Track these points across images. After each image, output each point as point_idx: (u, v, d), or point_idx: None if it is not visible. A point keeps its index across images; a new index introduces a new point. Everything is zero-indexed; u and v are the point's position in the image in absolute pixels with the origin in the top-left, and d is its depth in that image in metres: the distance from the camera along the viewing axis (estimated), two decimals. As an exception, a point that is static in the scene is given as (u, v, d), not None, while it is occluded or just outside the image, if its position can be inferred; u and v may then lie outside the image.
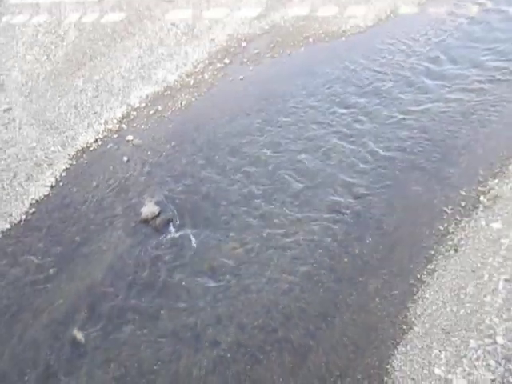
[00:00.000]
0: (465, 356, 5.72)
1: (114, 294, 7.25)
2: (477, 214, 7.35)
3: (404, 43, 10.10)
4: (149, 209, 8.05)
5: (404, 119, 8.77)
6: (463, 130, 8.51)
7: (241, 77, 9.97)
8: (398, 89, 9.29)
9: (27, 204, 8.49)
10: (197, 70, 10.18)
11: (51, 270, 7.61)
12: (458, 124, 8.60)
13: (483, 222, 7.21)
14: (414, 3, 10.89)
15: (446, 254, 6.99)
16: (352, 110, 9.06)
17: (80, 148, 9.17)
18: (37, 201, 8.51)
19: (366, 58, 9.94)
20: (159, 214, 8.01)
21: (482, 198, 7.54)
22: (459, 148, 8.28)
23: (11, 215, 8.31)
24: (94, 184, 8.65)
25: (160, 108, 9.62)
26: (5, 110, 9.93)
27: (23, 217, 8.31)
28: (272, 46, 10.46)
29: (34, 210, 8.41)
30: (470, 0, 10.82)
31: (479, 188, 7.66)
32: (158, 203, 8.15)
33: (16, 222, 8.26)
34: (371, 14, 10.74)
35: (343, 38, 10.41)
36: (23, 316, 7.11)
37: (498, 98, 8.87)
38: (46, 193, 8.62)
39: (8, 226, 8.17)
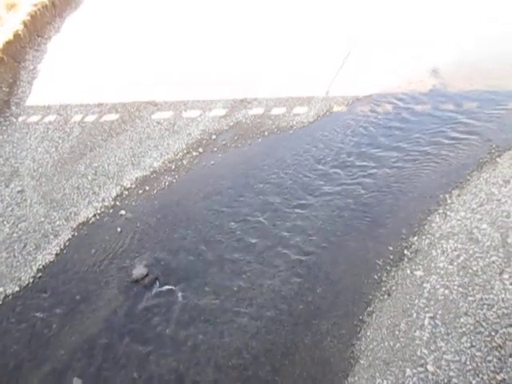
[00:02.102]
0: (403, 383, 5.64)
1: (109, 343, 6.95)
2: (403, 264, 7.50)
3: (338, 133, 10.56)
4: (139, 270, 7.90)
5: (341, 191, 9.04)
6: (388, 199, 8.81)
7: (212, 162, 10.14)
8: (335, 168, 9.61)
9: (35, 269, 8.20)
10: (177, 157, 10.30)
11: (54, 326, 7.26)
12: (383, 193, 8.92)
13: (408, 271, 7.35)
14: (343, 104, 11.45)
15: (381, 298, 7.04)
16: (300, 184, 9.29)
17: (81, 221, 9.00)
18: (43, 266, 8.23)
19: (310, 145, 10.31)
20: (148, 274, 7.86)
21: (405, 251, 7.72)
22: (385, 212, 8.53)
23: (20, 279, 8.01)
24: (93, 251, 8.45)
25: (147, 188, 9.62)
26: (18, 192, 9.73)
27: (31, 280, 8.01)
28: (236, 137, 10.73)
29: (40, 274, 8.11)
30: (385, 101, 11.41)
31: (403, 244, 7.86)
32: (146, 265, 8.02)
33: (24, 285, 7.94)
34: (312, 113, 11.21)
35: (291, 131, 10.78)
36: (28, 365, 6.74)
37: (413, 173, 9.29)
38: (52, 259, 8.36)
39: (17, 289, 7.85)
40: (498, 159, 9.28)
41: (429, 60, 12.95)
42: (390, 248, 7.82)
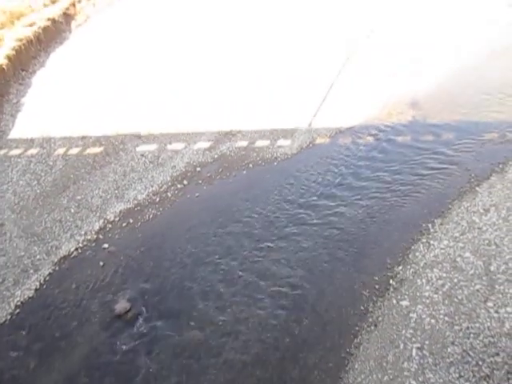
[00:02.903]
0: (392, 416, 5.52)
1: (89, 382, 6.68)
2: (388, 294, 7.47)
3: (321, 164, 10.69)
4: (121, 305, 7.71)
5: (324, 222, 9.07)
6: (371, 229, 8.86)
7: (197, 194, 10.13)
8: (319, 199, 9.68)
9: (13, 306, 7.94)
10: (161, 189, 10.27)
11: (32, 364, 6.97)
12: (367, 224, 8.98)
13: (394, 301, 7.32)
14: (326, 136, 11.65)
15: (368, 329, 6.98)
16: (285, 215, 9.31)
17: (62, 255, 8.81)
18: (22, 302, 7.98)
19: (293, 177, 10.39)
20: (130, 309, 7.67)
21: (391, 281, 7.72)
22: (370, 242, 8.57)
23: (-3, 317, 7.71)
24: (74, 286, 8.25)
25: (131, 221, 9.52)
26: (-2, 226, 9.53)
27: (8, 317, 7.73)
28: (220, 170, 10.77)
29: (18, 310, 7.84)
30: (367, 132, 11.65)
31: (388, 273, 7.86)
32: (129, 300, 7.84)
33: (1, 322, 7.65)
34: (295, 145, 11.37)
35: (275, 163, 10.88)
36: (4, 409, 6.37)
37: (395, 203, 9.40)
38: (31, 295, 8.12)
39: (-7, 327, 7.54)
40: (477, 188, 9.47)
41: (407, 93, 13.38)
42: (376, 278, 7.81)
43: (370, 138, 11.52)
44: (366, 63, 15.72)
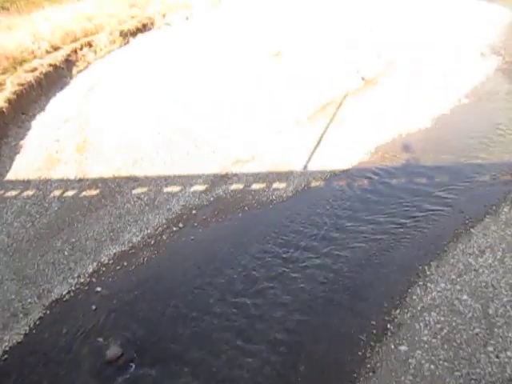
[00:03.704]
0: None
1: (78, 434, 6.39)
2: (386, 339, 7.33)
3: (316, 207, 10.74)
4: (113, 351, 7.51)
5: (321, 264, 9.01)
6: (368, 272, 8.81)
7: (192, 237, 10.09)
8: (314, 241, 9.67)
9: (0, 351, 7.70)
10: (157, 232, 10.24)
11: (18, 415, 6.68)
12: (363, 266, 8.93)
13: (392, 346, 7.18)
14: (321, 179, 11.79)
15: (366, 375, 6.81)
16: (281, 258, 9.24)
17: (54, 299, 8.65)
18: (10, 348, 7.76)
19: (289, 220, 10.42)
20: (122, 354, 7.47)
21: (388, 325, 7.59)
22: (366, 286, 8.48)
23: (-17, 364, 7.46)
24: (65, 331, 8.05)
25: (125, 264, 9.43)
26: (-11, 269, 9.39)
27: (-5, 364, 7.47)
28: (216, 212, 10.79)
29: (6, 356, 7.62)
30: (361, 175, 11.81)
31: (385, 317, 7.74)
32: (121, 345, 7.64)
33: (-12, 369, 7.39)
34: (291, 188, 11.46)
35: (271, 206, 10.93)
36: None
37: (391, 245, 9.39)
38: (20, 340, 7.91)
39: (-21, 374, 7.28)
40: (471, 230, 9.51)
41: (400, 137, 13.71)
42: (373, 322, 7.69)
43: (365, 181, 11.65)
44: (358, 107, 16.15)
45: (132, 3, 41.04)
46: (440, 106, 15.70)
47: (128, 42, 30.22)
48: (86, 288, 8.90)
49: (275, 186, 11.58)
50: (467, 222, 9.78)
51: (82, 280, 9.07)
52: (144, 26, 34.70)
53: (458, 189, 11.01)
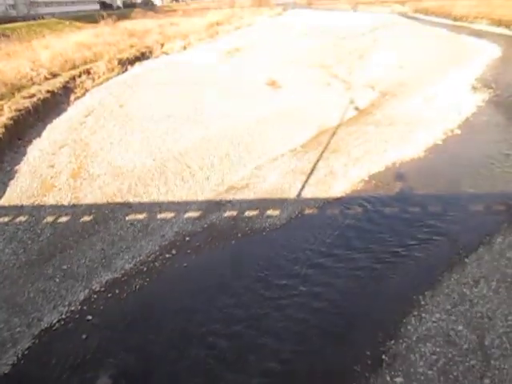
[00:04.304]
0: None
1: None
2: (382, 370, 7.18)
3: (309, 235, 10.68)
4: (102, 382, 7.28)
5: (315, 293, 8.90)
6: (362, 301, 8.69)
7: (185, 264, 9.96)
8: (308, 269, 9.56)
9: (-15, 384, 7.44)
10: (149, 259, 10.10)
11: None
12: (357, 296, 8.82)
13: (388, 378, 7.03)
14: (315, 206, 11.80)
15: (361, 409, 6.61)
16: (274, 286, 9.12)
17: (44, 328, 8.42)
18: (-5, 380, 7.49)
19: (282, 247, 10.34)
20: (112, 386, 7.24)
21: (383, 356, 7.45)
22: (361, 315, 8.36)
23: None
24: (54, 361, 7.80)
25: (117, 291, 9.26)
26: (-23, 298, 9.18)
27: (-21, 397, 7.21)
28: (210, 239, 10.70)
29: (-9, 389, 7.35)
30: (355, 203, 11.83)
31: (380, 348, 7.60)
32: (111, 376, 7.41)
33: (-29, 403, 7.13)
34: (284, 215, 11.44)
35: (264, 233, 10.86)
36: None
37: (385, 274, 9.31)
38: (6, 371, 7.65)
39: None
40: (465, 259, 9.47)
41: (394, 166, 13.83)
42: (368, 353, 7.54)
43: (359, 209, 11.66)
44: (352, 136, 16.34)
45: (131, 33, 41.94)
46: (433, 136, 15.96)
47: (126, 69, 30.70)
48: (77, 316, 8.70)
49: (269, 213, 11.55)
50: (461, 251, 9.75)
51: (72, 308, 8.87)
52: (142, 54, 35.40)
53: (451, 218, 11.03)
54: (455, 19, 58.74)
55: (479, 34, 43.38)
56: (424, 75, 25.73)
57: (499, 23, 48.81)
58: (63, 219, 11.66)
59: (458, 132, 16.49)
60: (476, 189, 12.33)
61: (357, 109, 19.85)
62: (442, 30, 48.45)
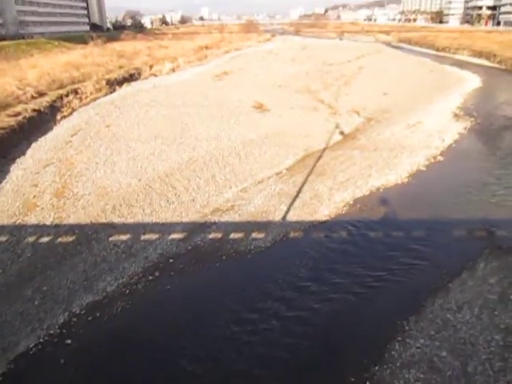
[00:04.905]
0: None
1: None
2: (365, 398, 7.08)
3: (294, 258, 10.62)
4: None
5: (299, 317, 8.80)
6: (346, 326, 8.64)
7: (168, 287, 9.77)
8: (293, 293, 9.47)
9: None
10: (132, 281, 9.91)
11: None
12: (341, 321, 8.77)
13: (371, 406, 6.92)
14: (300, 230, 11.80)
15: None
16: (258, 311, 9.00)
17: (20, 352, 8.13)
18: (-33, 407, 7.17)
19: (267, 270, 10.28)
20: (89, 413, 6.98)
21: (368, 382, 7.37)
22: (345, 341, 8.32)
23: None
24: (29, 387, 7.53)
25: (98, 314, 9.02)
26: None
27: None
28: (193, 261, 10.58)
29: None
30: (339, 227, 11.91)
31: (364, 374, 7.52)
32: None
33: None
34: (269, 238, 11.41)
35: (249, 256, 10.79)
36: None
37: (369, 299, 9.28)
38: (-22, 399, 7.34)
39: None
40: (449, 285, 9.52)
41: (378, 190, 13.98)
42: (352, 379, 7.43)
43: (343, 233, 11.69)
44: (337, 160, 16.51)
45: (120, 54, 42.29)
46: (416, 162, 16.22)
47: (114, 90, 30.80)
48: (56, 340, 8.44)
49: (254, 235, 11.51)
50: (445, 276, 9.80)
51: (51, 332, 8.61)
52: (131, 75, 35.64)
53: (434, 243, 11.12)
54: (438, 49, 60.73)
55: (461, 64, 44.81)
56: (408, 102, 26.33)
57: (480, 54, 50.60)
58: (45, 239, 11.44)
59: (441, 159, 16.80)
60: (458, 214, 12.50)
61: (342, 133, 20.14)
62: (425, 60, 49.91)
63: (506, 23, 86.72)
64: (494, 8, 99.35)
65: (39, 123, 21.05)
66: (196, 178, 14.83)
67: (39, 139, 19.29)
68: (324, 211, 12.66)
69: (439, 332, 8.26)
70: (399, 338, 8.19)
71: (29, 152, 17.67)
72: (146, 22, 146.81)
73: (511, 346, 7.87)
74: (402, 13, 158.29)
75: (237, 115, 22.82)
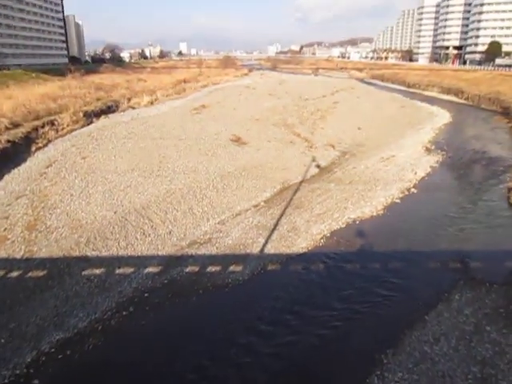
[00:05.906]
0: None
1: None
2: None
3: (272, 291, 10.54)
4: None
5: (277, 352, 8.64)
6: (325, 360, 8.55)
7: (143, 322, 9.47)
8: (270, 327, 9.35)
9: None
10: (105, 317, 9.59)
11: None
12: (319, 355, 8.69)
13: None
14: (277, 262, 11.75)
15: None
16: (236, 346, 8.80)
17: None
18: None
19: (245, 304, 10.14)
20: None
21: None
22: (323, 375, 8.27)
23: None
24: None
25: (69, 352, 8.65)
26: None
27: None
28: (170, 295, 10.34)
29: None
30: (317, 259, 11.94)
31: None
32: None
33: None
34: (247, 271, 11.29)
35: (226, 289, 10.64)
36: None
37: (347, 332, 9.22)
38: None
39: None
40: (425, 317, 9.54)
41: (354, 223, 14.12)
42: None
43: (320, 265, 11.69)
44: (314, 193, 16.67)
45: (99, 87, 42.40)
46: (391, 194, 16.53)
47: (92, 122, 30.67)
48: (22, 381, 8.02)
49: (231, 268, 11.37)
50: (421, 308, 9.83)
51: (17, 371, 8.19)
52: (109, 107, 35.64)
53: (410, 275, 11.21)
54: (409, 86, 63.10)
55: (431, 100, 46.55)
56: (381, 136, 27.04)
57: (448, 91, 52.85)
58: (14, 274, 11.03)
59: (414, 191, 17.17)
60: (431, 247, 12.69)
61: (319, 166, 20.44)
62: (397, 95, 51.68)
63: (472, 62, 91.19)
64: (460, 48, 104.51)
65: (12, 154, 20.66)
66: (173, 210, 14.71)
67: (12, 170, 18.89)
68: (301, 243, 12.67)
69: (417, 365, 8.22)
70: (377, 372, 8.10)
71: (1, 184, 17.26)
72: (125, 55, 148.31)
73: (488, 378, 7.87)
74: (374, 51, 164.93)
75: (214, 148, 22.95)
